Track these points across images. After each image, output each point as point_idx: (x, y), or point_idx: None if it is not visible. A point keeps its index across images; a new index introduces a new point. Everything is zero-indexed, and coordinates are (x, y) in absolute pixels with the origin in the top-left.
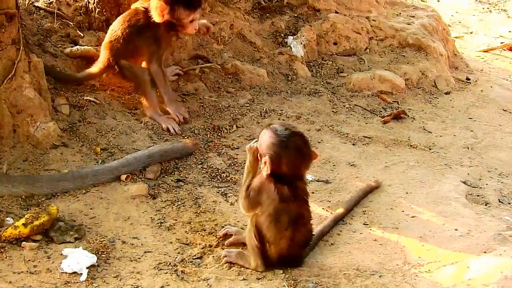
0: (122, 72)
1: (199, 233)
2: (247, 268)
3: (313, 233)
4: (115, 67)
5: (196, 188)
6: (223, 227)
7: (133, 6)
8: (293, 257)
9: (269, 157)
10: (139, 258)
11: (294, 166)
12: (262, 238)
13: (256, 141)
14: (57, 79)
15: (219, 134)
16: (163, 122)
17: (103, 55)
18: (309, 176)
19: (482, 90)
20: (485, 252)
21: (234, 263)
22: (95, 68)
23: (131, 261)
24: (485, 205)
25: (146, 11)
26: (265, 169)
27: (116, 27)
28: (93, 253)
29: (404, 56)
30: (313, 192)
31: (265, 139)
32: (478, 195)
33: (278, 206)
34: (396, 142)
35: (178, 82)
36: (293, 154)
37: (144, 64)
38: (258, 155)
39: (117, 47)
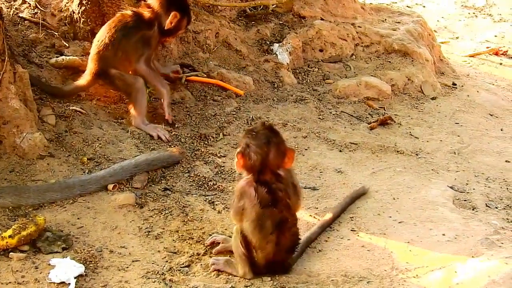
0: (113, 82)
1: (186, 242)
2: (235, 276)
3: (300, 237)
4: (105, 77)
5: (183, 197)
6: (211, 235)
7: (118, 13)
8: (280, 262)
9: (239, 149)
10: (127, 267)
11: (262, 157)
12: (248, 245)
13: None
14: (45, 92)
15: (206, 142)
16: (152, 131)
17: (91, 67)
18: None
19: (468, 95)
20: (472, 257)
21: (222, 271)
22: (83, 81)
23: (119, 270)
24: (472, 209)
25: (135, 14)
26: (235, 162)
27: (103, 36)
28: (81, 263)
29: (390, 62)
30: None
31: (241, 138)
32: (465, 200)
33: (259, 211)
34: (383, 148)
35: None
36: (260, 143)
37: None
38: None
39: (106, 55)
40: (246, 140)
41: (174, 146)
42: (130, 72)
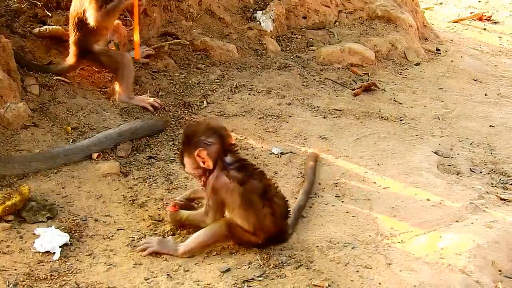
0: (98, 59)
1: None
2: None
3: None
4: (89, 56)
5: (168, 165)
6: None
7: None
8: (279, 232)
9: (198, 150)
10: (112, 236)
11: (218, 134)
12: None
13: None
14: (33, 69)
15: (190, 110)
16: (141, 102)
17: (73, 49)
18: (274, 149)
19: (452, 61)
20: (457, 221)
21: (160, 253)
22: (69, 62)
23: (104, 239)
24: (457, 174)
25: None
26: (208, 161)
27: (73, 12)
28: (65, 232)
29: (373, 28)
30: (285, 164)
31: (185, 154)
32: (449, 165)
33: (241, 190)
34: (367, 114)
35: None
36: (205, 129)
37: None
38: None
39: (82, 33)
40: (193, 140)
41: (158, 115)
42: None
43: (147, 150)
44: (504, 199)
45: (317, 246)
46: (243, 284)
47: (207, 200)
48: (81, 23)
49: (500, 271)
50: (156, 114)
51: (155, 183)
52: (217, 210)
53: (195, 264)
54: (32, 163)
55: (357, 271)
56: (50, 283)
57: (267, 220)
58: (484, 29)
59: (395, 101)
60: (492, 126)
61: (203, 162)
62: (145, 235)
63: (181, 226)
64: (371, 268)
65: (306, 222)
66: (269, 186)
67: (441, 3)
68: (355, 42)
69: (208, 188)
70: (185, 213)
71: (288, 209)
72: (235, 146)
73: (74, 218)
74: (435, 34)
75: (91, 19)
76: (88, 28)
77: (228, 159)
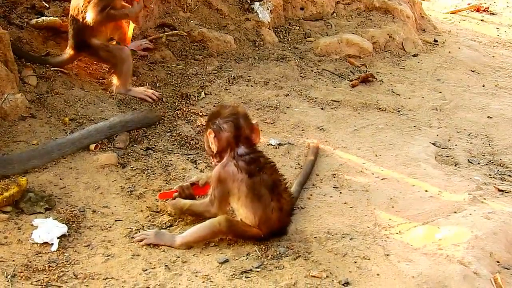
0: (96, 53)
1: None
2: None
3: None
4: (88, 49)
5: (166, 156)
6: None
7: None
8: (282, 228)
9: (209, 131)
10: (110, 227)
11: (234, 123)
12: (236, 230)
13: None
14: (31, 61)
15: (187, 101)
16: (139, 94)
17: (71, 41)
18: (272, 140)
19: (450, 52)
20: (455, 213)
21: (156, 245)
22: (66, 55)
23: (102, 230)
24: (455, 165)
25: None
26: (213, 145)
27: (76, 5)
28: (63, 223)
29: (371, 19)
30: (283, 155)
31: (205, 130)
32: (447, 156)
33: (249, 182)
34: (365, 106)
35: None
36: (227, 113)
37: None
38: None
39: (83, 26)
40: (212, 120)
41: (155, 106)
42: (109, 35)
43: (145, 141)
44: (502, 190)
45: (315, 237)
46: (241, 275)
47: (212, 189)
48: (80, 17)
49: (498, 262)
50: (154, 106)
51: (153, 174)
52: (222, 200)
53: (193, 255)
54: (30, 161)
55: (355, 262)
56: (48, 274)
57: (274, 214)
58: (482, 20)
59: (393, 92)
60: (490, 117)
61: (211, 140)
62: (143, 226)
63: (181, 214)
64: (369, 259)
65: (304, 213)
66: (279, 181)
67: None
68: (353, 33)
69: (213, 177)
70: (187, 202)
71: (293, 207)
72: (251, 139)
73: (72, 209)
74: (432, 25)
75: (90, 17)
76: (86, 23)
77: (241, 150)
